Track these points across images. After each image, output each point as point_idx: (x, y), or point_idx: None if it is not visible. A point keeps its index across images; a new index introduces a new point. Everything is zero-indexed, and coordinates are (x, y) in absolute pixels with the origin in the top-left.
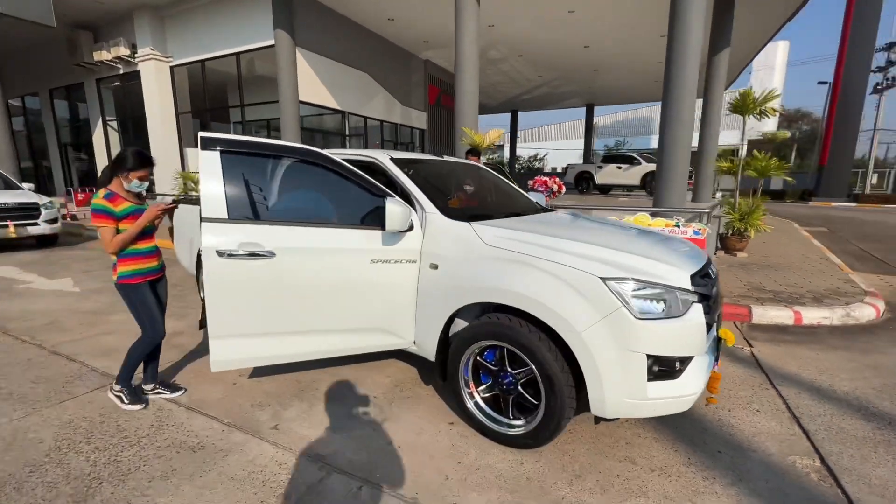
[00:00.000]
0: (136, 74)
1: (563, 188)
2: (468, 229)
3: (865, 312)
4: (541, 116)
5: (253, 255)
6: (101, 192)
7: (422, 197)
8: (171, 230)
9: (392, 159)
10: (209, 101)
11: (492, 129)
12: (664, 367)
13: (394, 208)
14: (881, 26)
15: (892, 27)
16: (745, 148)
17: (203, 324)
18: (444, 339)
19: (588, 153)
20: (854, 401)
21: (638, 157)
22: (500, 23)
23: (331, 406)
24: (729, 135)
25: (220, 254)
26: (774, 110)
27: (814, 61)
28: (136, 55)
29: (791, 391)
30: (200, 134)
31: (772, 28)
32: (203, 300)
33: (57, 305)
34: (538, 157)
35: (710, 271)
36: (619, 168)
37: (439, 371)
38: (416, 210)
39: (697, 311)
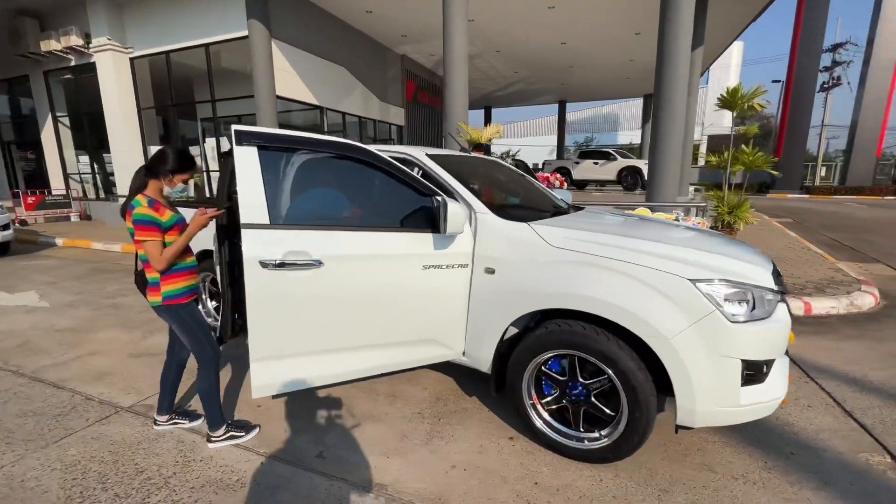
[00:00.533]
0: (91, 66)
1: (565, 184)
2: (528, 230)
3: (866, 301)
4: (511, 113)
5: (300, 264)
6: (142, 198)
7: (469, 196)
8: None
9: (429, 155)
10: (175, 97)
11: (491, 125)
12: (753, 372)
13: (455, 209)
14: (827, 28)
15: (836, 30)
16: (704, 145)
17: (223, 339)
18: (500, 349)
19: (561, 149)
20: (892, 390)
21: (614, 153)
22: (481, 18)
23: (375, 427)
24: None
25: (264, 265)
26: (761, 105)
27: (768, 61)
28: (90, 45)
29: (831, 384)
30: (235, 127)
31: (738, 27)
32: (216, 310)
33: (25, 324)
34: (510, 154)
35: (776, 268)
36: (596, 164)
37: (494, 383)
38: None
39: (783, 310)
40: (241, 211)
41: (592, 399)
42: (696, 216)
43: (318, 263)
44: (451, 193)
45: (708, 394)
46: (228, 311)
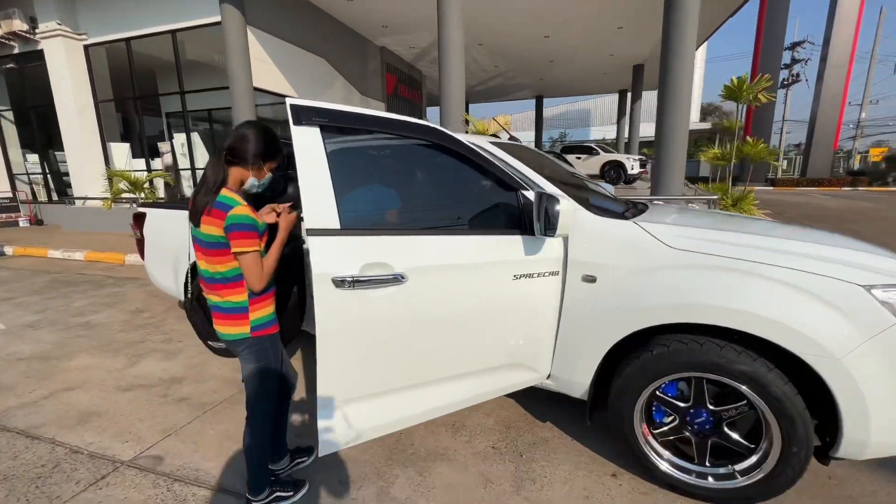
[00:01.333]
0: (39, 55)
1: None
2: (636, 229)
3: None
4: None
5: (379, 281)
6: (233, 195)
7: (555, 191)
8: (139, 242)
9: (494, 144)
10: (138, 88)
11: (500, 116)
12: None
13: (566, 207)
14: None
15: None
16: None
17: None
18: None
19: (538, 145)
20: None
21: (596, 148)
22: (467, 9)
23: (448, 469)
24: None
25: (337, 283)
26: (766, 97)
27: (732, 58)
28: (36, 31)
29: None
30: (290, 101)
31: (713, 24)
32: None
33: None
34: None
35: None
36: (579, 158)
37: (590, 411)
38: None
39: None
40: (305, 213)
41: (725, 429)
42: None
43: (401, 278)
44: (530, 187)
45: (887, 422)
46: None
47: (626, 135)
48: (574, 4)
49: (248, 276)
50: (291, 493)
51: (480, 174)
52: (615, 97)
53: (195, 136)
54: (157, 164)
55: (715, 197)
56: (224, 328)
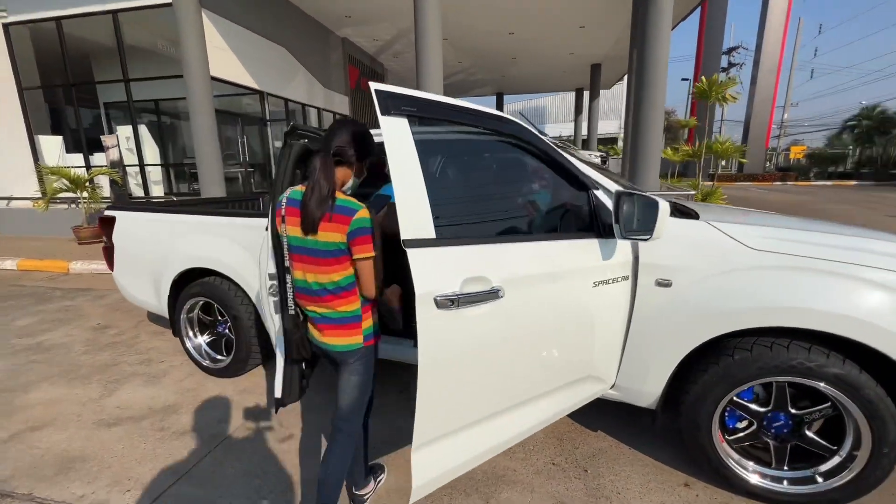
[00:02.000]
0: None
1: None
2: (712, 230)
3: None
4: None
5: (479, 297)
6: (350, 198)
7: (650, 193)
8: (106, 250)
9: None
10: (72, 75)
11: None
12: None
13: (665, 208)
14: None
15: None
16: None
17: (284, 402)
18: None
19: None
20: None
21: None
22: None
23: (514, 492)
24: (609, 124)
25: (440, 304)
26: (733, 96)
27: (676, 60)
28: None
29: None
30: (374, 86)
31: (680, 15)
32: (213, 347)
33: None
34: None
35: None
36: None
37: (662, 421)
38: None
39: None
40: (401, 219)
41: (806, 432)
42: None
43: (498, 293)
44: (594, 185)
45: None
46: (296, 363)
47: (585, 132)
48: (541, 1)
49: (366, 283)
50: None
51: (555, 172)
52: (571, 95)
53: (143, 129)
54: (98, 159)
55: (692, 192)
56: (336, 339)
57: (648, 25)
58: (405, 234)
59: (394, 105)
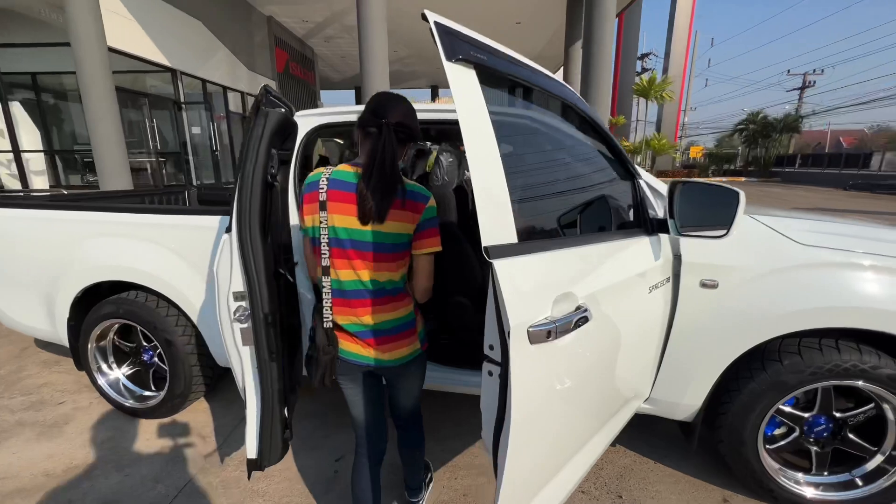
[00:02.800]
0: None
1: None
2: (758, 226)
3: None
4: None
5: (571, 323)
6: (415, 183)
7: (656, 182)
8: None
9: None
10: None
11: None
12: None
13: (745, 199)
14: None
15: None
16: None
17: (258, 466)
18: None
19: None
20: None
21: None
22: None
23: None
24: None
25: (534, 336)
26: (670, 95)
27: None
28: None
29: None
30: (432, 16)
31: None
32: (134, 381)
33: None
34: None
35: None
36: None
37: (699, 435)
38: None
39: None
40: (481, 218)
41: (849, 435)
42: None
43: (586, 314)
44: (638, 174)
45: None
46: (276, 409)
47: None
48: None
49: (426, 282)
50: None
51: (608, 156)
52: None
53: (16, 108)
54: None
55: None
56: (394, 352)
57: (594, 27)
58: (488, 239)
59: (461, 48)
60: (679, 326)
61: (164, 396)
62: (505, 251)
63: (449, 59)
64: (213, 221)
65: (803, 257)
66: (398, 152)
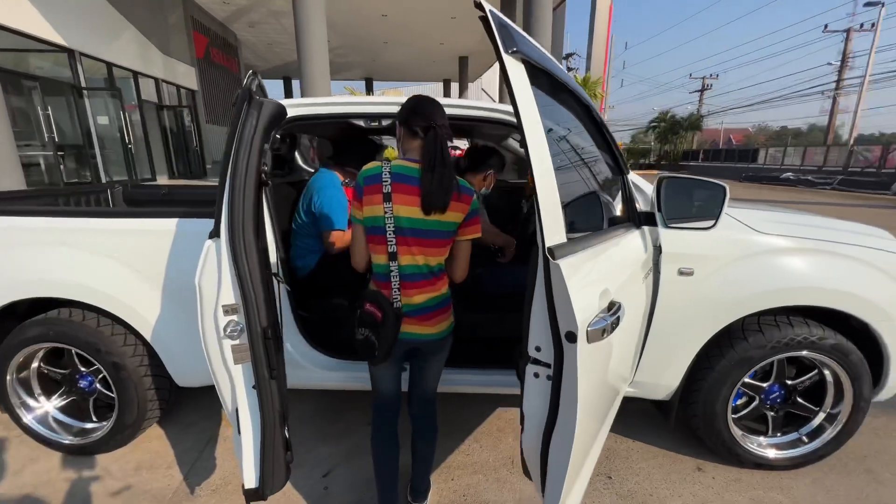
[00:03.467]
0: None
1: None
2: (725, 217)
3: None
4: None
5: (615, 319)
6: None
7: (636, 177)
8: None
9: None
10: None
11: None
12: None
13: (728, 192)
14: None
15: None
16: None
17: (261, 496)
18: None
19: None
20: None
21: None
22: None
23: None
24: None
25: (591, 336)
26: (600, 94)
27: None
28: None
29: None
30: (486, 5)
31: None
32: (67, 413)
33: None
34: None
35: None
36: None
37: (677, 414)
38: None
39: None
40: (544, 217)
41: (798, 399)
42: None
43: (620, 309)
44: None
45: None
46: (278, 431)
47: None
48: None
49: (466, 264)
50: None
51: (604, 150)
52: (438, 86)
53: None
54: None
55: None
56: (439, 325)
57: (533, 24)
58: (552, 239)
59: (513, 41)
60: (659, 312)
61: (113, 427)
62: (563, 251)
63: (506, 51)
64: (167, 225)
65: (763, 245)
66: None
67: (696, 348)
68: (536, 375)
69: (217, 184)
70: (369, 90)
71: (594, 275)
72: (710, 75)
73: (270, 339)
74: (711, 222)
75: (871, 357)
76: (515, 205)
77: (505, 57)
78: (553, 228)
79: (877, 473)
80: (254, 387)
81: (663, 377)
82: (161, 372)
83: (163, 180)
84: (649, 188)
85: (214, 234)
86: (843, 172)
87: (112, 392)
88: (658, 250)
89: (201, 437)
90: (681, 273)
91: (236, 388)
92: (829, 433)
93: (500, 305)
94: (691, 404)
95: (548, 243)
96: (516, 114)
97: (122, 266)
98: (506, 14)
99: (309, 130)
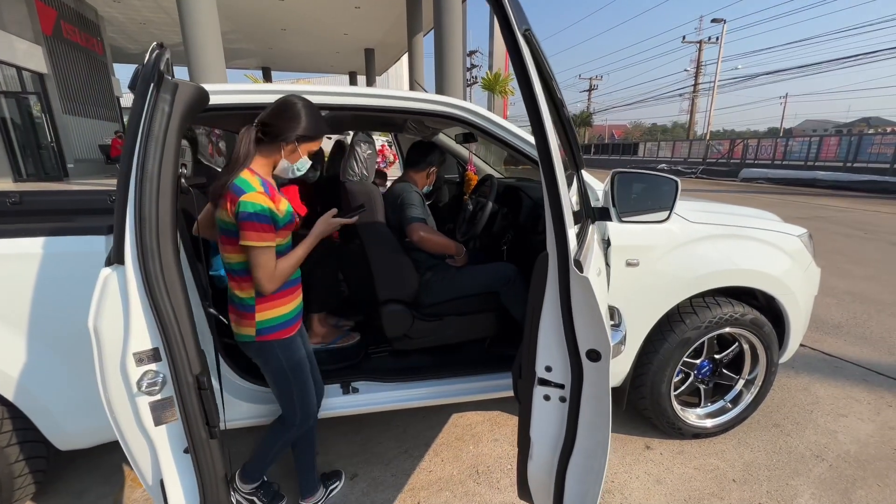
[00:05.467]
0: None
1: (398, 158)
2: None
3: None
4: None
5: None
6: (252, 177)
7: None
8: None
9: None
10: None
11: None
12: None
13: (680, 185)
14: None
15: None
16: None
17: None
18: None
19: None
20: None
21: None
22: None
23: None
24: None
25: (615, 349)
26: (512, 90)
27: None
28: None
29: None
30: None
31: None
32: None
33: None
34: None
35: None
36: (329, 138)
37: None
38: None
39: None
40: (570, 233)
41: (723, 370)
42: None
43: (620, 318)
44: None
45: (800, 332)
46: (223, 499)
47: None
48: None
49: (254, 274)
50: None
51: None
52: (344, 78)
53: None
54: None
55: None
56: (236, 325)
57: (443, 17)
58: (578, 252)
59: (524, 19)
60: (611, 304)
61: None
62: (580, 262)
63: (520, 29)
64: (28, 246)
65: (696, 233)
66: (248, 150)
67: (644, 334)
68: (547, 398)
69: (90, 189)
70: (267, 79)
71: (602, 284)
72: (596, 76)
73: (207, 390)
74: (665, 215)
75: (775, 326)
76: (456, 201)
77: (521, 38)
78: (572, 238)
79: (782, 426)
80: (186, 451)
81: (617, 366)
82: (32, 437)
83: (5, 184)
84: (597, 184)
85: (115, 259)
86: (703, 163)
87: None
88: (607, 244)
89: None
90: (628, 265)
91: (160, 455)
92: (749, 397)
93: (449, 310)
94: (639, 387)
95: (576, 256)
96: (533, 107)
97: None
98: (413, 6)
99: (224, 123)
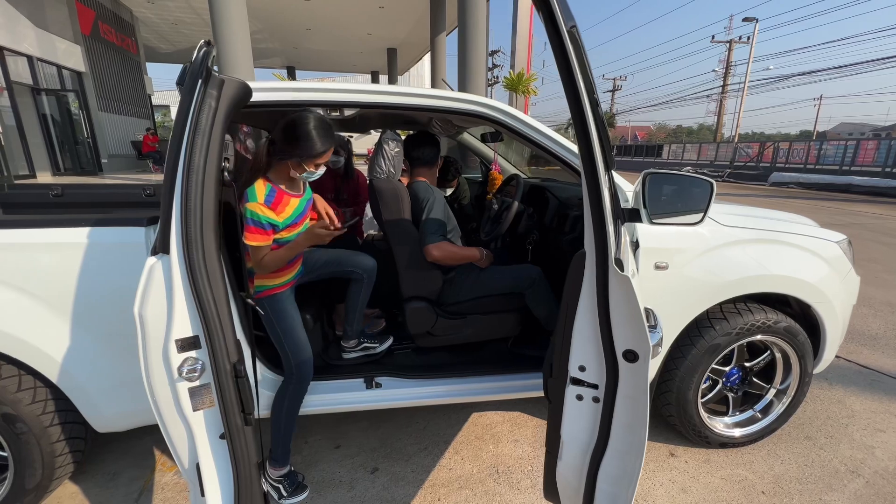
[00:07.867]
0: None
1: None
2: None
3: None
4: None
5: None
6: (260, 187)
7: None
8: None
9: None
10: None
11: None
12: None
13: (716, 187)
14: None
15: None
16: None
17: None
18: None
19: None
20: None
21: None
22: None
23: None
24: None
25: (653, 350)
26: (534, 90)
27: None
28: None
29: None
30: None
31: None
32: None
33: None
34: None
35: None
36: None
37: (653, 402)
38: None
39: None
40: (610, 231)
41: (753, 379)
42: None
43: (656, 319)
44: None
45: (836, 343)
46: (256, 489)
47: None
48: None
49: (252, 260)
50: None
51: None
52: (366, 77)
53: None
54: None
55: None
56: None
57: (467, 14)
58: (619, 251)
59: (570, 15)
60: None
61: (8, 494)
62: (621, 261)
63: (566, 25)
64: (74, 236)
65: (728, 236)
66: (266, 160)
67: (672, 339)
68: (580, 398)
69: (125, 183)
70: (291, 79)
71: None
72: (620, 77)
73: (243, 378)
74: (698, 217)
75: (810, 335)
76: (478, 201)
77: (567, 35)
78: (612, 235)
79: (815, 439)
80: (222, 436)
81: None
82: (73, 418)
83: (45, 177)
84: (626, 185)
85: (161, 248)
86: (730, 166)
87: (4, 451)
88: (636, 245)
89: (131, 489)
90: (657, 267)
91: (196, 440)
92: (780, 407)
93: (472, 309)
94: (665, 393)
95: (617, 255)
96: (576, 103)
97: (7, 290)
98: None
99: (258, 121)
